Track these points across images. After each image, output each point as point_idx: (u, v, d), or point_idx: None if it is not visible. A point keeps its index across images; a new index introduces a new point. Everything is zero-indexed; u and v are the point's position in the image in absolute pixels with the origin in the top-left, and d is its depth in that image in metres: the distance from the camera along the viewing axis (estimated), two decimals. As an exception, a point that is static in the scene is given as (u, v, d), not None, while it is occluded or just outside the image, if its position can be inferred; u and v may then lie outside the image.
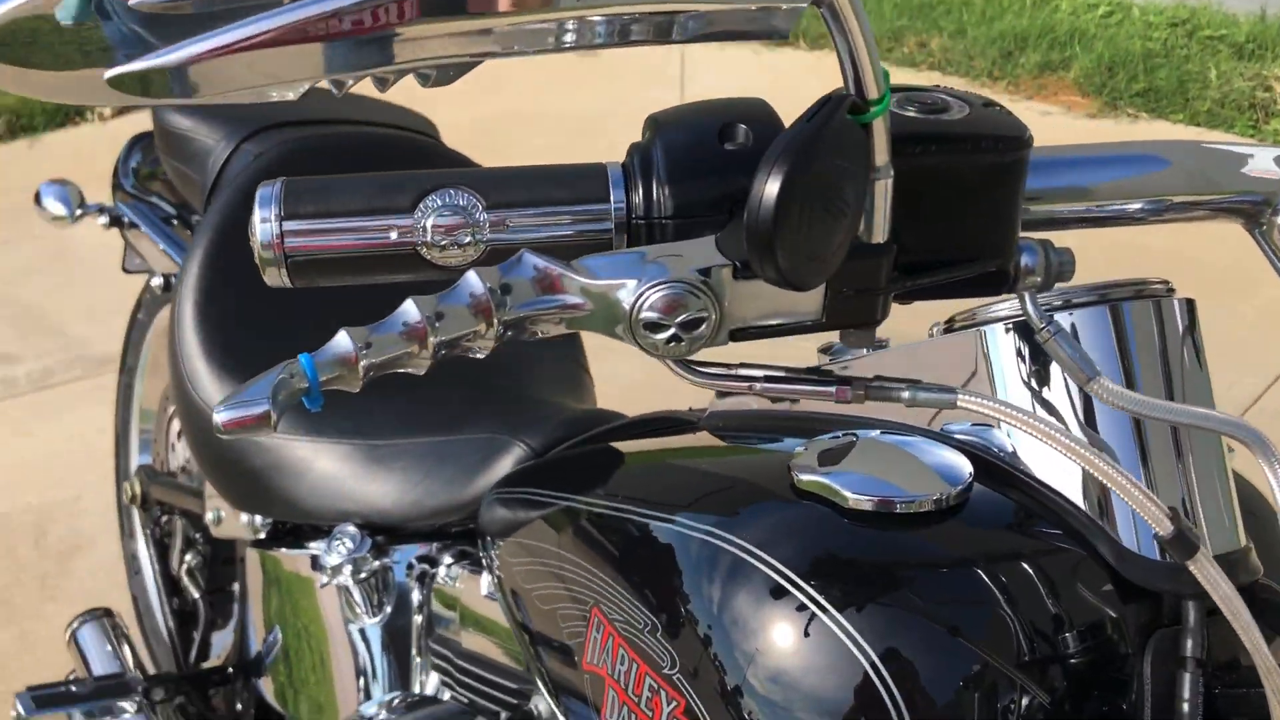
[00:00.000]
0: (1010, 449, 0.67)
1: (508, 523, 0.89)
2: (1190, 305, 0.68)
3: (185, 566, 1.61)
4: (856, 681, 0.59)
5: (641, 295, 0.48)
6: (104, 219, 1.70)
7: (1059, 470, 0.65)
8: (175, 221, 1.65)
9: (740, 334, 0.52)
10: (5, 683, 1.93)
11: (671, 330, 0.49)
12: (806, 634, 0.61)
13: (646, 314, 0.48)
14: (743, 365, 0.55)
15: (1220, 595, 0.53)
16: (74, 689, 1.34)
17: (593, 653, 0.72)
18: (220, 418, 0.48)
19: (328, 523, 1.18)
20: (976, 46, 4.38)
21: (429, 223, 0.49)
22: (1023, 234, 0.56)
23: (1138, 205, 0.61)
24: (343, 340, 0.49)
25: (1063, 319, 0.65)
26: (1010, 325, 0.66)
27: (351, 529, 1.15)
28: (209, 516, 1.37)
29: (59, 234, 3.37)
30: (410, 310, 0.48)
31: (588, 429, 1.02)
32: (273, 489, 1.21)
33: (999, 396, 0.66)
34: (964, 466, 0.65)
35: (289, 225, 0.50)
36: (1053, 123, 3.87)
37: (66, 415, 2.68)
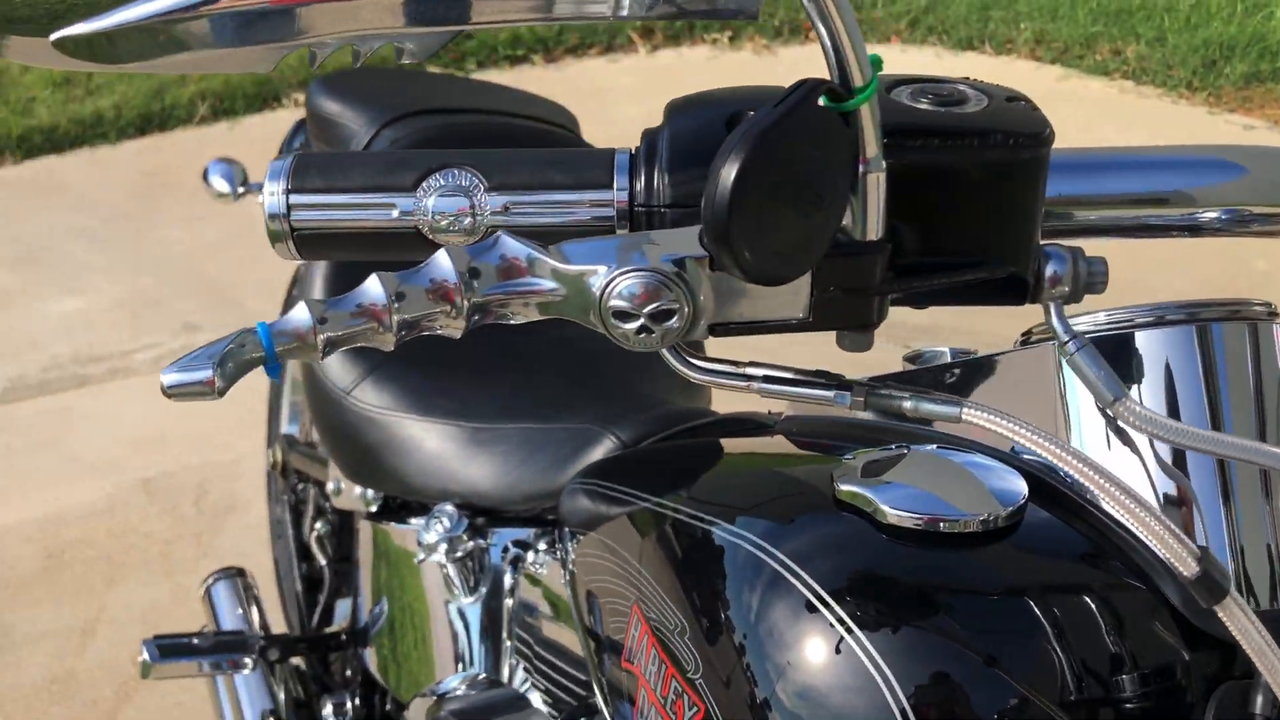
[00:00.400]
0: None
1: (579, 514, 0.89)
2: None
3: (315, 534, 1.67)
4: (874, 708, 0.57)
5: (611, 282, 0.47)
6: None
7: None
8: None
9: (721, 329, 0.50)
10: (160, 618, 2.05)
11: (640, 320, 0.47)
12: (832, 653, 0.59)
13: (615, 302, 0.47)
14: (750, 364, 0.52)
15: (1253, 646, 0.48)
16: (196, 641, 1.41)
17: (630, 650, 0.71)
18: (165, 379, 0.49)
19: (430, 500, 1.20)
20: (1177, 55, 4.14)
21: (430, 202, 0.49)
22: (1076, 241, 0.52)
23: (1212, 215, 0.56)
24: (301, 312, 0.49)
25: (1146, 337, 0.60)
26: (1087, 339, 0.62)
27: (450, 509, 1.17)
28: (330, 486, 1.42)
29: (245, 213, 3.56)
30: (372, 288, 0.47)
31: (676, 425, 1.01)
32: (383, 464, 1.24)
33: (1068, 414, 0.62)
34: (1019, 488, 0.61)
35: (295, 199, 0.50)
36: (1256, 137, 3.63)
37: (236, 384, 2.82)
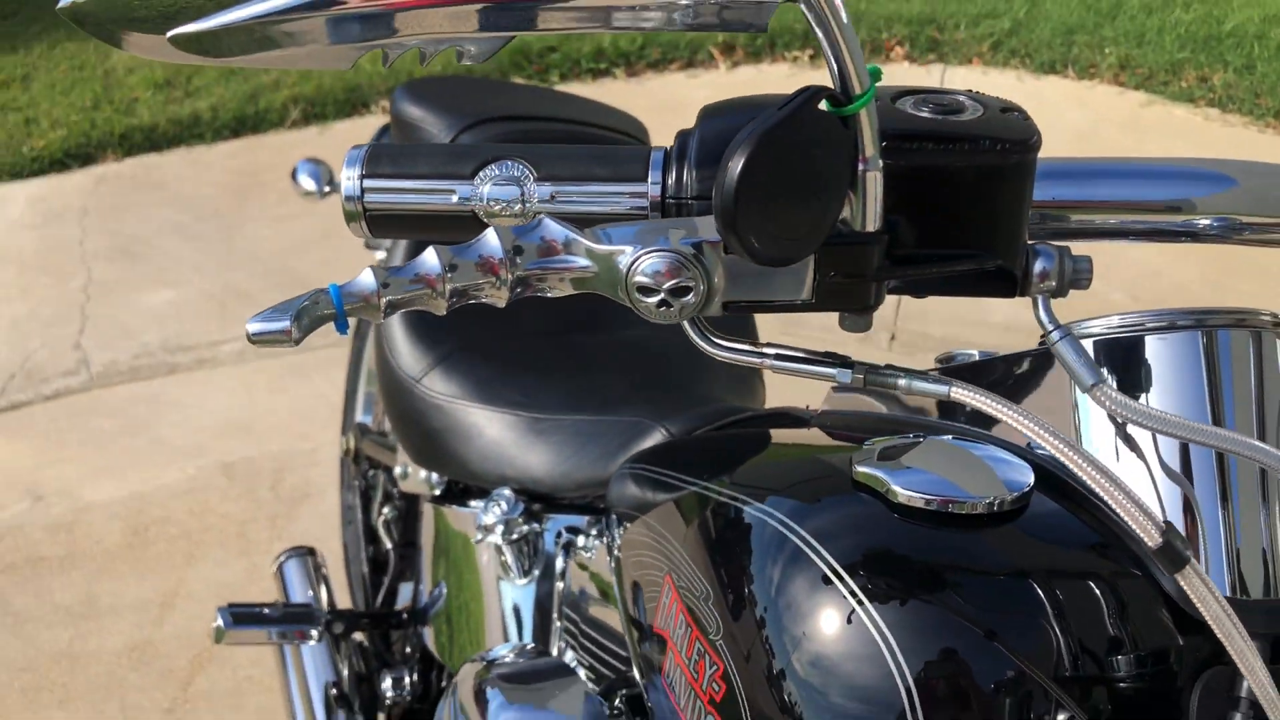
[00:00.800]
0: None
1: (625, 497, 0.95)
2: None
3: (382, 519, 1.75)
4: (877, 674, 0.61)
5: (636, 261, 0.52)
6: (348, 196, 1.87)
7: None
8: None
9: (732, 306, 0.55)
10: (234, 595, 2.15)
11: (661, 295, 0.53)
12: (844, 624, 0.63)
13: (639, 278, 0.52)
14: (767, 345, 0.58)
15: (1211, 613, 0.52)
16: (267, 611, 1.49)
17: (661, 616, 0.76)
18: (249, 327, 0.54)
19: (489, 485, 1.27)
20: (1265, 84, 4.08)
21: (485, 190, 0.55)
22: (1073, 242, 0.56)
23: (1204, 222, 0.59)
24: (367, 277, 0.55)
25: (1156, 340, 0.64)
26: (1099, 340, 0.66)
27: (508, 493, 1.23)
28: (397, 471, 1.49)
29: (331, 213, 3.69)
30: (428, 259, 0.53)
31: (722, 419, 1.06)
32: (447, 449, 1.31)
33: (1078, 412, 0.66)
34: (1026, 477, 0.65)
35: (368, 183, 0.56)
36: (1341, 169, 3.57)
37: (316, 377, 2.93)
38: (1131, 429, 0.64)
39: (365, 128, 4.54)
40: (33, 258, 3.62)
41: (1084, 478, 0.54)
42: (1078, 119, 4.00)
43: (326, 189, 1.89)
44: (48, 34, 5.22)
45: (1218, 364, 0.64)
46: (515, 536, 1.22)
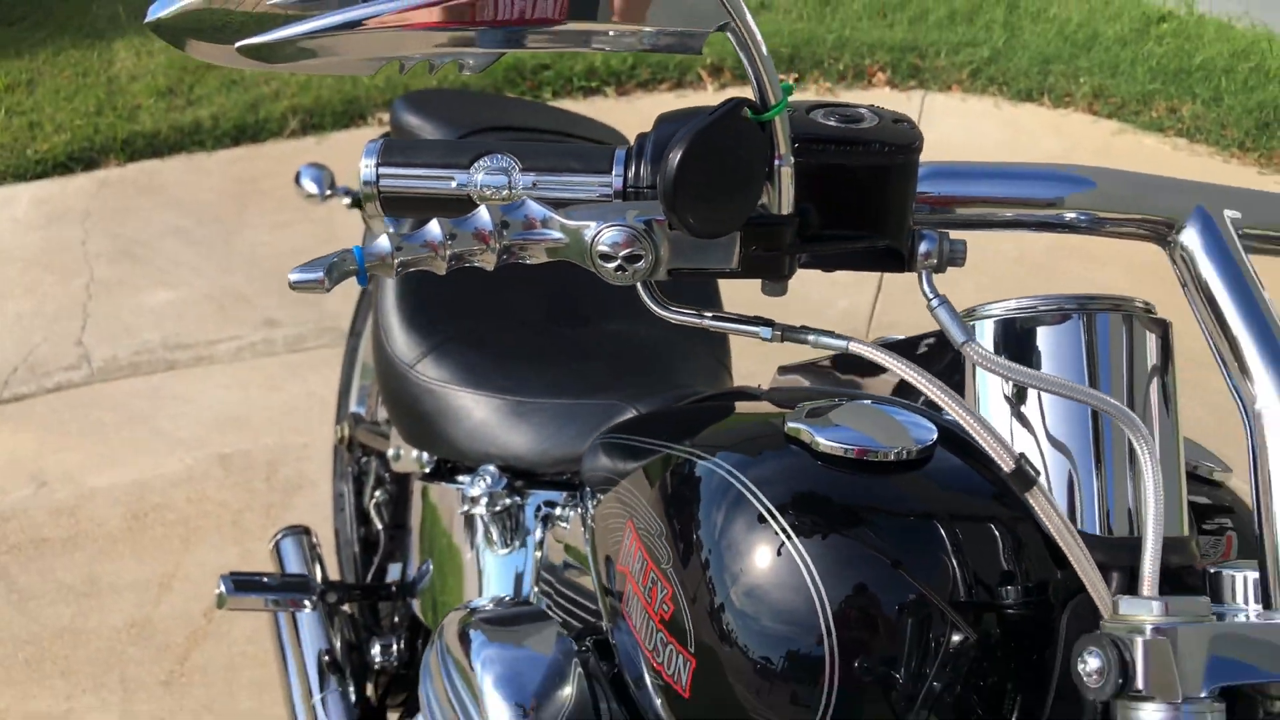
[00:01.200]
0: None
1: (597, 467, 1.07)
2: (1165, 326, 0.77)
3: (374, 501, 1.87)
4: (800, 598, 0.72)
5: (598, 233, 0.64)
6: (348, 200, 1.99)
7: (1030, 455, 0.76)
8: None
9: (676, 273, 0.68)
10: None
11: (618, 261, 0.65)
12: (774, 556, 0.75)
13: (601, 247, 0.65)
14: (706, 309, 0.70)
15: (1054, 525, 0.64)
16: (265, 580, 1.60)
17: (624, 556, 0.88)
18: (291, 276, 0.66)
19: (475, 463, 1.39)
20: (1231, 115, 4.24)
21: (479, 177, 0.67)
22: (957, 231, 0.68)
23: (1071, 215, 0.72)
24: (384, 241, 0.67)
25: (1043, 320, 0.76)
26: (998, 320, 0.78)
27: (492, 469, 1.35)
28: (390, 453, 1.60)
29: (329, 220, 3.81)
30: (433, 229, 0.66)
31: (688, 399, 1.18)
32: (437, 430, 1.43)
33: (976, 377, 0.78)
34: (930, 432, 0.77)
35: (383, 170, 0.69)
36: (1300, 198, 3.72)
37: (310, 376, 3.05)
38: (1028, 402, 0.76)
39: (362, 139, 4.66)
40: (36, 257, 3.72)
41: (951, 413, 0.67)
42: (1052, 146, 4.15)
43: (329, 192, 2.00)
44: (52, 40, 5.34)
45: (1095, 341, 0.76)
46: (498, 509, 1.34)
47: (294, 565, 1.76)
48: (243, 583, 1.58)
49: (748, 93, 0.63)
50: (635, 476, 0.94)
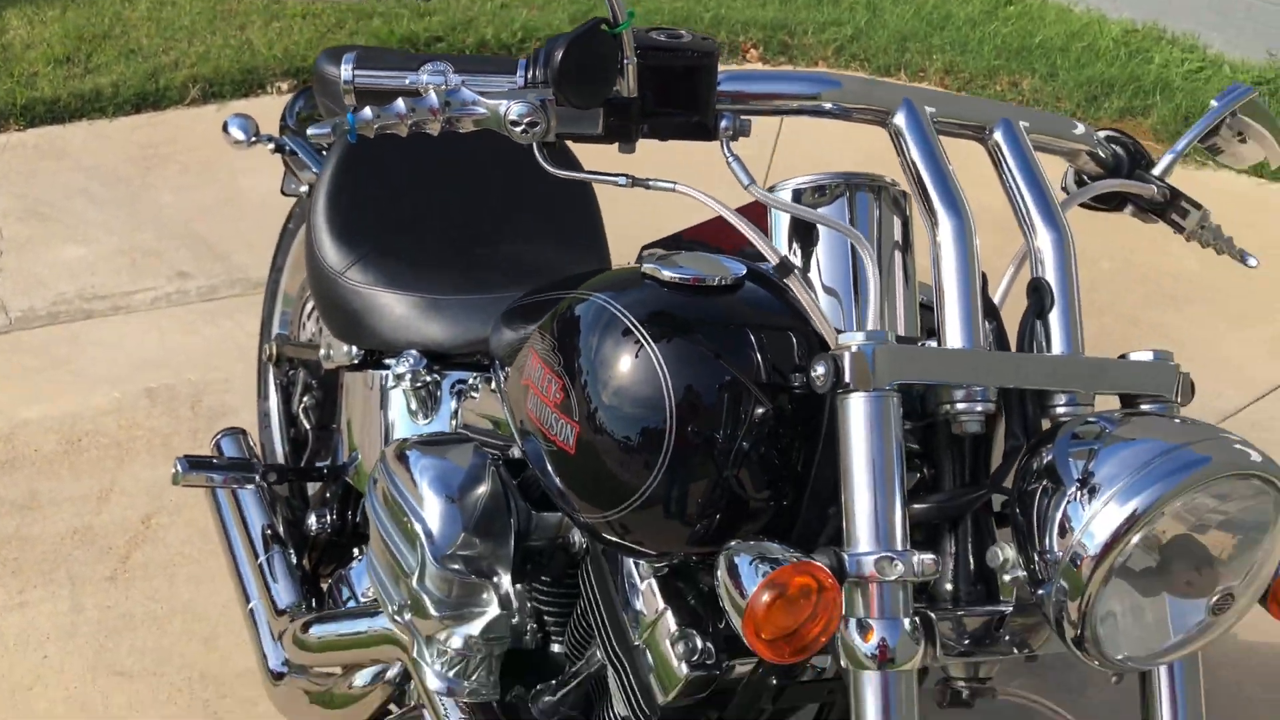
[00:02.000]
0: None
1: (501, 336, 1.37)
2: (905, 195, 1.11)
3: (302, 406, 2.14)
4: (653, 386, 1.03)
5: (509, 108, 0.95)
6: (271, 145, 2.24)
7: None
8: (324, 152, 2.19)
9: (563, 135, 0.99)
10: (161, 501, 2.50)
11: (523, 126, 0.96)
12: (634, 357, 1.06)
13: (511, 117, 0.95)
14: (591, 170, 1.02)
15: (806, 301, 0.97)
16: (215, 461, 1.87)
17: (528, 374, 1.19)
18: (310, 131, 0.96)
19: (399, 350, 1.68)
20: (1065, 89, 4.70)
21: (425, 76, 0.97)
22: (747, 115, 1.02)
23: (827, 106, 1.05)
24: (366, 112, 0.96)
25: (817, 191, 1.09)
26: (794, 189, 1.10)
27: (414, 353, 1.64)
28: (322, 353, 1.88)
29: (232, 183, 4.02)
30: (399, 105, 0.95)
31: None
32: (364, 325, 1.72)
33: (770, 219, 1.11)
34: (741, 268, 1.09)
35: (358, 72, 0.98)
36: (1119, 162, 4.18)
37: (225, 321, 3.27)
38: (808, 240, 1.09)
39: (260, 106, 4.84)
40: (-56, 217, 3.84)
41: (730, 220, 0.99)
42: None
43: (253, 139, 2.25)
44: (-58, 10, 5.38)
45: (856, 208, 1.10)
46: (419, 386, 1.64)
47: (233, 456, 2.02)
48: (195, 463, 1.85)
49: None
50: (535, 330, 1.25)
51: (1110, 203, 1.23)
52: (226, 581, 1.95)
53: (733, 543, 0.95)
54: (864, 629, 0.88)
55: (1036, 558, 0.88)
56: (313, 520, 1.88)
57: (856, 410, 0.92)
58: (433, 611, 1.26)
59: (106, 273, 3.54)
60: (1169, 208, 1.20)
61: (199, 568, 2.34)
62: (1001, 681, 1.04)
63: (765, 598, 0.84)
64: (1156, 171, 1.22)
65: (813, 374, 0.95)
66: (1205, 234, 1.25)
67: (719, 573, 0.92)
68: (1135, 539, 0.83)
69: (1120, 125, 4.53)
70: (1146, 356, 1.01)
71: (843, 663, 0.89)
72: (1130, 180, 1.19)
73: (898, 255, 1.11)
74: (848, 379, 0.92)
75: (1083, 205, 1.25)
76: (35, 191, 4.04)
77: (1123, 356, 1.03)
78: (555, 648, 1.38)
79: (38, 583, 2.31)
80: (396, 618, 1.31)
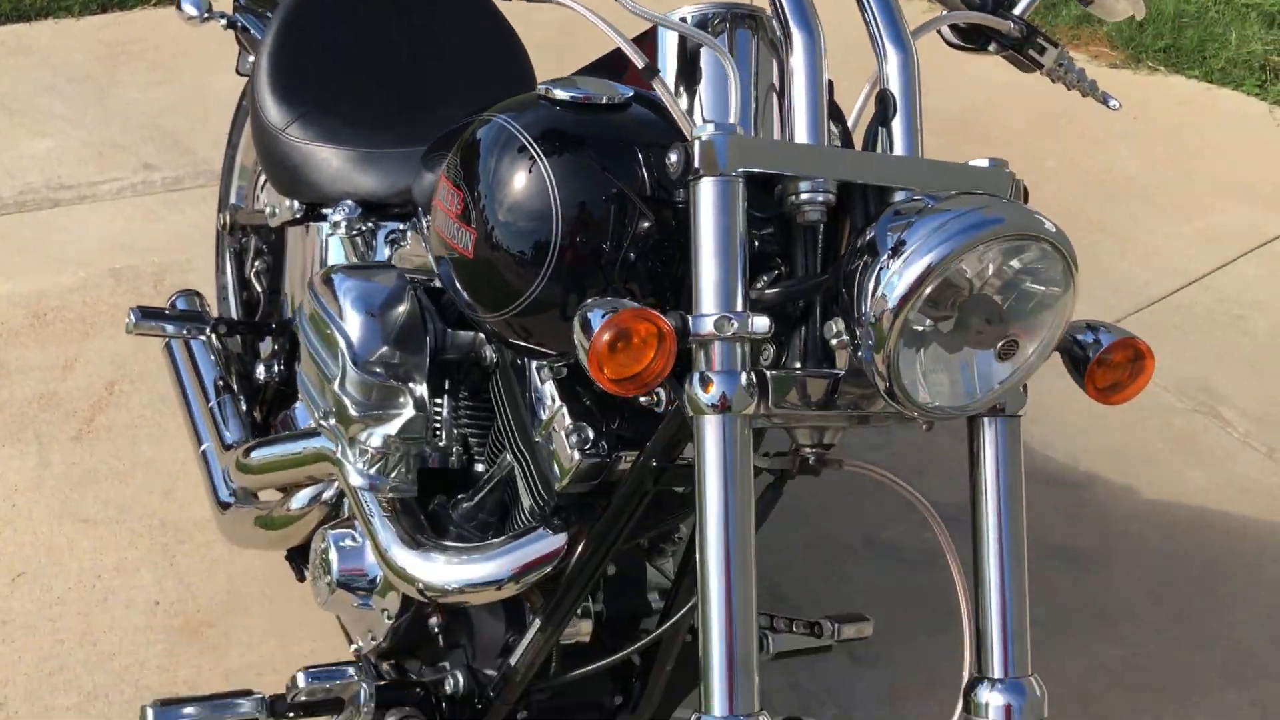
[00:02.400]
0: None
1: (421, 182, 1.47)
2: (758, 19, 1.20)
3: (254, 271, 2.24)
4: (543, 198, 1.13)
5: None
6: (224, 21, 2.31)
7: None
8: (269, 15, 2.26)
9: None
10: (125, 370, 2.61)
11: None
12: (527, 172, 1.16)
13: None
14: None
15: (669, 101, 1.08)
16: (168, 312, 1.98)
17: (436, 195, 1.29)
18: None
19: (337, 201, 1.77)
20: None
21: None
22: None
23: None
24: None
25: (700, 22, 1.19)
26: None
27: (350, 203, 1.74)
28: (267, 211, 1.97)
29: (199, 81, 4.06)
30: None
31: None
32: (305, 179, 1.81)
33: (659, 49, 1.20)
34: (628, 91, 1.20)
35: None
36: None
37: (189, 210, 3.35)
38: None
39: (226, 5, 4.87)
40: (-88, 110, 3.89)
41: (600, 27, 1.10)
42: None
43: (206, 15, 2.32)
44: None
45: (734, 36, 1.20)
46: (354, 233, 1.74)
47: (188, 315, 2.13)
48: (148, 312, 1.95)
49: None
50: (447, 158, 1.34)
51: (976, 41, 1.33)
52: (186, 441, 2.06)
53: (589, 299, 1.03)
54: (705, 381, 0.99)
55: (857, 324, 1.00)
56: (261, 370, 1.99)
57: (706, 193, 1.02)
58: (353, 412, 1.37)
59: (73, 164, 3.61)
60: (1026, 44, 1.30)
61: (159, 429, 2.46)
62: (848, 456, 1.17)
63: (606, 336, 0.95)
64: (1017, 11, 1.31)
65: (668, 161, 1.05)
66: (1066, 75, 1.35)
67: (574, 321, 1.01)
68: (928, 290, 0.94)
69: (1078, 32, 4.60)
70: (983, 163, 1.12)
71: (688, 412, 1.01)
72: (986, 14, 1.29)
73: (775, 69, 1.19)
74: (697, 164, 1.02)
75: (954, 46, 1.35)
76: (2, 87, 4.09)
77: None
78: (479, 467, 1.51)
79: (4, 441, 2.42)
80: (323, 422, 1.43)
